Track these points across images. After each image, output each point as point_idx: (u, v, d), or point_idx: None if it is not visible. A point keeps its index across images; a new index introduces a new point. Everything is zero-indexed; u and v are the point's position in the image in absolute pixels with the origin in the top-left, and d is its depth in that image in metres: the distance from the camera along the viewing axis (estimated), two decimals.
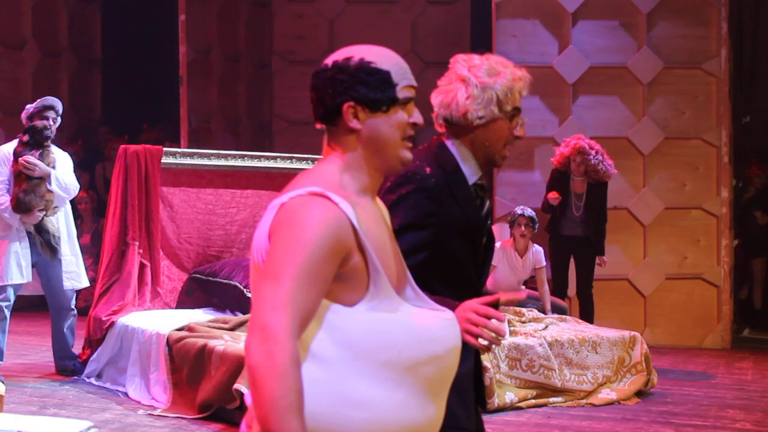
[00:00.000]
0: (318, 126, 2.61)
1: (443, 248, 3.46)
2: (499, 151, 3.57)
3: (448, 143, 3.56)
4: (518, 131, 3.57)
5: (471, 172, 3.56)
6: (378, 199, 2.72)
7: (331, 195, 2.46)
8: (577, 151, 9.87)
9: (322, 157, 2.63)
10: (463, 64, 3.52)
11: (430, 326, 2.57)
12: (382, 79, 2.57)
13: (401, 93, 2.59)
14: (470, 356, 3.64)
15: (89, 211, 11.52)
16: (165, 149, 9.13)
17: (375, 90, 2.56)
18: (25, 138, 8.54)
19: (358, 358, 2.47)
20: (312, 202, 2.44)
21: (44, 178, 8.47)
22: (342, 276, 2.48)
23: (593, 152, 9.88)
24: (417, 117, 2.63)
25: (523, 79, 3.54)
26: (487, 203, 3.68)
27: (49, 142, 8.59)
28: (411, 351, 2.51)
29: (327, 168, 2.57)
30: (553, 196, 9.84)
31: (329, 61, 2.60)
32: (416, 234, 3.40)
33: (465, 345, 3.55)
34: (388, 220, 2.75)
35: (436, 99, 3.55)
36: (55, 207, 8.57)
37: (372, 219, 2.57)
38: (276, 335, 2.32)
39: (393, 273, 2.59)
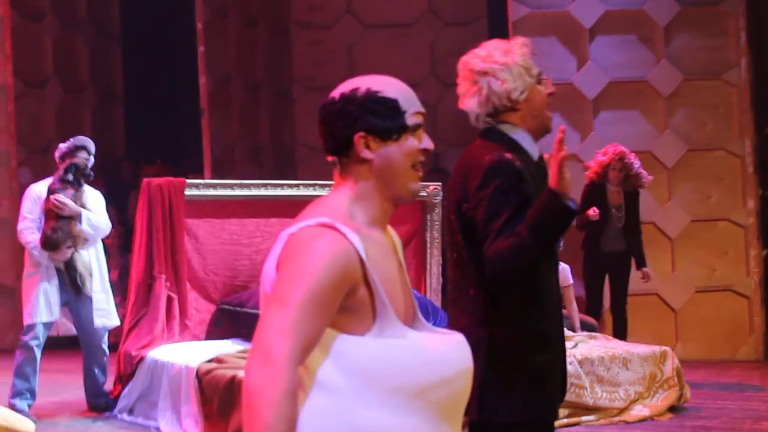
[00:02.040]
0: (329, 158, 2.62)
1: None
2: (545, 115, 3.74)
3: (503, 128, 3.68)
4: (549, 88, 3.75)
5: (532, 148, 3.71)
6: (389, 230, 2.72)
7: (340, 226, 2.48)
8: (618, 156, 9.86)
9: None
10: (474, 60, 3.67)
11: (439, 350, 2.57)
12: (391, 108, 2.59)
13: (410, 120, 2.61)
14: (555, 345, 3.71)
15: (116, 247, 11.55)
16: (188, 181, 9.15)
17: (385, 119, 2.58)
18: (66, 176, 8.58)
19: (367, 385, 2.48)
20: (320, 233, 2.46)
21: (74, 217, 8.51)
22: (348, 307, 2.49)
23: (632, 156, 9.90)
24: (427, 143, 2.65)
25: (526, 44, 3.74)
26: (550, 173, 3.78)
27: (83, 181, 8.65)
28: (420, 376, 2.51)
29: (337, 198, 2.58)
30: (594, 212, 9.72)
31: (336, 93, 2.62)
32: (524, 215, 3.49)
33: (553, 333, 3.60)
34: (400, 251, 2.75)
35: (470, 103, 3.68)
36: (85, 240, 8.59)
37: (380, 251, 2.58)
38: (277, 361, 2.34)
39: (401, 306, 2.59)
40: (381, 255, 2.57)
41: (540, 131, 3.72)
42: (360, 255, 2.48)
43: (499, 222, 3.47)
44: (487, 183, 3.50)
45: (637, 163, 9.85)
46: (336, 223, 2.47)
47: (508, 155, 3.54)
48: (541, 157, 3.73)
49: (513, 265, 3.46)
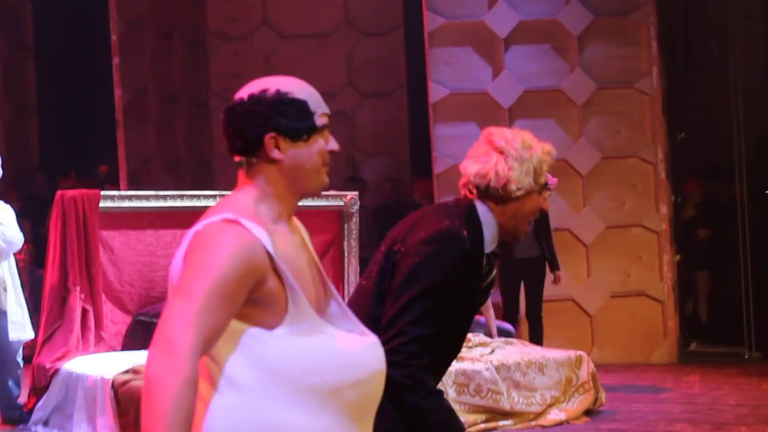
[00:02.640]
0: (237, 159, 2.62)
1: (447, 315, 3.46)
2: (524, 226, 3.64)
3: (480, 207, 3.60)
4: (545, 204, 3.65)
5: (490, 241, 3.61)
6: (296, 221, 2.73)
7: (244, 221, 2.49)
8: None
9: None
10: (498, 136, 3.59)
11: (353, 350, 2.58)
12: (301, 109, 2.61)
13: (319, 121, 2.63)
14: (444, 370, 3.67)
15: (27, 263, 11.41)
16: (103, 192, 9.07)
17: (294, 120, 2.59)
18: None
19: (279, 383, 2.49)
20: (225, 228, 2.48)
21: None
22: (258, 300, 2.50)
23: None
24: (333, 144, 2.67)
25: (551, 153, 3.63)
26: (494, 274, 3.75)
27: None
28: (334, 376, 2.53)
29: (242, 197, 2.59)
30: None
31: (243, 94, 2.62)
32: (438, 299, 3.40)
33: (447, 363, 3.60)
34: (309, 243, 2.76)
35: (471, 167, 3.60)
36: None
37: (289, 245, 2.60)
38: (179, 351, 2.34)
39: (312, 296, 2.60)
40: (290, 248, 2.59)
41: (509, 234, 3.65)
42: (266, 248, 2.49)
43: (416, 311, 3.37)
44: (431, 243, 3.44)
45: None
46: (241, 219, 2.49)
47: (465, 233, 3.49)
48: (493, 253, 3.66)
49: (407, 405, 3.36)
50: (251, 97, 2.60)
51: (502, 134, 3.61)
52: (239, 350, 2.49)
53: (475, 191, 3.61)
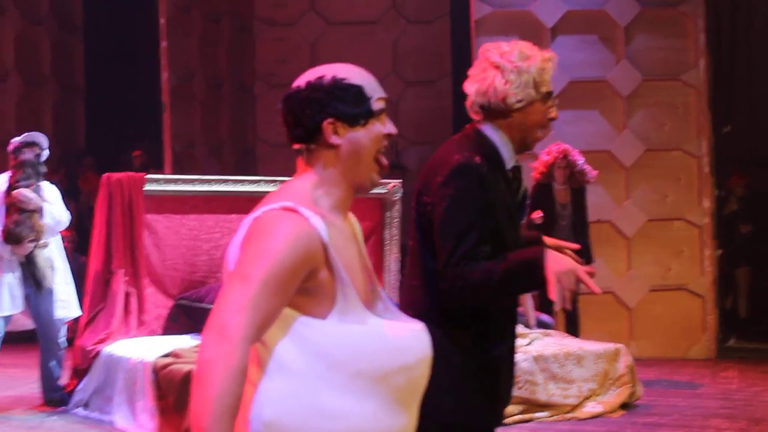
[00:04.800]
0: (296, 146, 2.66)
1: (498, 235, 3.52)
2: (533, 134, 3.65)
3: (485, 129, 3.62)
4: (552, 113, 3.65)
5: (509, 157, 3.63)
6: (350, 216, 2.77)
7: (303, 210, 2.52)
8: (562, 154, 9.85)
9: None
10: (494, 51, 3.60)
11: (400, 337, 2.62)
12: (357, 94, 2.64)
13: (375, 105, 2.66)
14: (507, 339, 3.71)
15: (69, 251, 11.57)
16: (148, 176, 9.17)
17: (352, 105, 2.63)
18: (20, 171, 8.63)
19: (328, 369, 2.52)
20: (283, 216, 2.51)
21: (37, 211, 8.54)
22: (309, 290, 2.53)
23: (576, 153, 9.91)
24: (391, 127, 2.71)
25: (552, 59, 3.64)
26: (524, 185, 3.77)
27: (41, 175, 8.70)
28: (381, 361, 2.56)
29: (301, 184, 2.63)
30: (537, 215, 9.73)
31: (301, 82, 2.66)
32: (482, 227, 3.46)
33: (503, 327, 3.64)
34: (360, 238, 2.80)
35: (471, 87, 3.62)
36: (46, 233, 8.63)
37: (342, 237, 2.63)
38: (233, 337, 2.38)
39: (362, 289, 2.64)
40: (343, 240, 2.62)
41: (521, 146, 3.65)
42: (322, 239, 2.52)
43: (465, 243, 3.43)
44: (449, 182, 3.48)
45: (581, 160, 9.86)
46: (299, 207, 2.52)
47: (477, 159, 3.50)
48: (515, 168, 3.68)
49: (471, 296, 3.46)
50: (308, 84, 2.64)
51: (498, 48, 3.61)
52: (289, 336, 2.53)
53: (479, 111, 3.63)
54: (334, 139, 2.62)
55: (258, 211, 2.54)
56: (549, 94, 3.63)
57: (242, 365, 2.38)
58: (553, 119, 3.67)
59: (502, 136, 3.61)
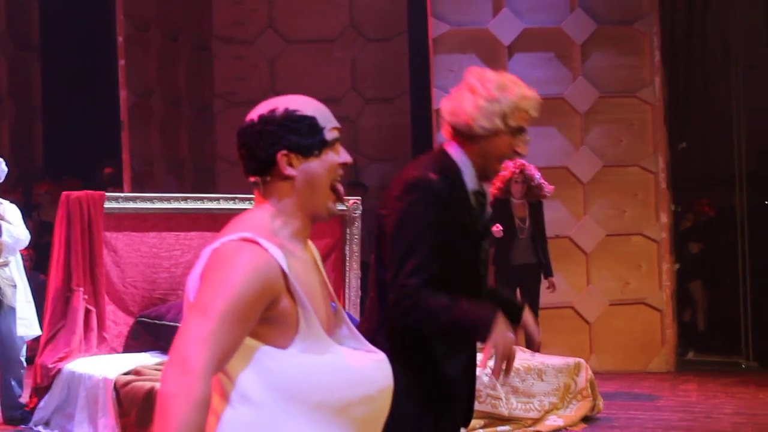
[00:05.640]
0: (251, 179, 2.68)
1: (452, 253, 3.55)
2: (493, 165, 3.68)
3: (451, 150, 3.67)
4: (521, 148, 3.66)
5: (470, 179, 3.66)
6: (310, 244, 2.79)
7: (262, 241, 2.54)
8: (519, 169, 9.88)
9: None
10: (476, 75, 3.66)
11: (362, 367, 2.64)
12: (310, 125, 2.66)
13: (329, 135, 2.68)
14: (460, 357, 3.73)
15: (27, 269, 11.50)
16: (107, 194, 9.13)
17: (305, 136, 2.65)
18: None
19: (290, 400, 2.54)
20: (243, 247, 2.53)
21: None
22: (271, 319, 2.55)
23: (532, 168, 9.95)
24: (345, 156, 2.73)
25: (531, 99, 3.65)
26: (488, 209, 3.78)
27: None
28: (343, 392, 2.58)
29: (259, 215, 2.65)
30: (496, 229, 9.77)
31: (254, 116, 2.68)
32: (430, 241, 3.49)
33: (456, 344, 3.66)
34: (320, 265, 2.82)
35: (445, 105, 3.69)
36: (6, 258, 8.60)
37: (302, 266, 2.65)
38: (194, 370, 2.39)
39: (323, 316, 2.66)
40: (303, 269, 2.64)
41: (482, 174, 3.68)
42: (282, 268, 2.54)
43: (414, 256, 3.46)
44: (402, 197, 3.53)
45: (537, 174, 9.92)
46: (258, 238, 2.54)
47: (432, 176, 3.55)
48: (479, 192, 3.69)
49: (413, 319, 3.49)
50: (261, 117, 2.66)
51: (480, 74, 3.67)
52: (252, 366, 2.55)
53: (449, 129, 3.68)
54: (289, 171, 2.64)
55: (217, 243, 2.56)
56: (520, 129, 3.63)
57: (204, 397, 2.39)
58: (519, 155, 3.69)
59: (466, 159, 3.65)
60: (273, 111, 2.67)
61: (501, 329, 3.47)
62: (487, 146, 3.63)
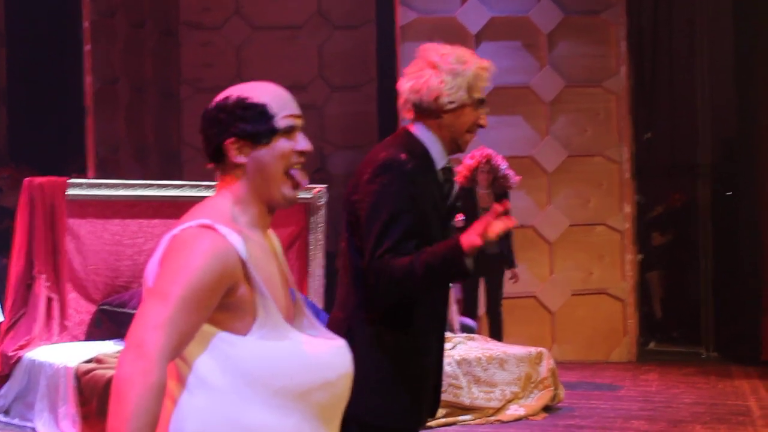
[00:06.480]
0: (209, 166, 2.70)
1: (423, 232, 3.56)
2: (463, 137, 3.69)
3: (415, 130, 3.68)
4: (482, 120, 3.71)
5: (439, 156, 3.68)
6: (270, 233, 2.79)
7: (220, 227, 2.55)
8: (485, 159, 9.88)
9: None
10: (433, 51, 3.67)
11: (322, 353, 2.65)
12: (260, 113, 2.66)
13: (281, 123, 2.67)
14: (435, 346, 3.75)
15: None
16: (70, 181, 9.08)
17: (253, 123, 2.65)
18: None
19: (249, 385, 2.54)
20: (201, 233, 2.53)
21: None
22: (229, 306, 2.55)
23: (499, 159, 9.96)
24: (303, 144, 2.71)
25: (488, 69, 3.72)
26: (456, 186, 3.81)
27: None
28: (303, 378, 2.59)
29: (219, 201, 2.66)
30: (459, 218, 9.73)
31: (214, 102, 2.70)
32: (406, 220, 3.50)
33: (431, 332, 3.67)
34: (280, 254, 2.82)
35: (405, 84, 3.69)
36: None
37: (262, 252, 2.65)
38: (150, 355, 2.40)
39: (283, 304, 2.67)
40: (262, 256, 2.64)
41: (452, 147, 3.70)
42: (240, 255, 2.55)
43: (389, 237, 3.48)
44: (374, 179, 3.53)
45: (504, 165, 9.93)
46: (216, 224, 2.55)
47: (402, 156, 3.56)
48: (447, 169, 3.72)
49: (396, 291, 3.50)
50: (216, 104, 2.69)
51: (437, 49, 3.69)
52: (209, 351, 2.55)
53: (411, 109, 3.69)
54: (239, 158, 2.66)
55: (176, 229, 2.57)
56: (481, 101, 3.69)
57: (160, 383, 2.39)
58: (481, 126, 3.71)
59: (431, 136, 3.67)
60: (227, 98, 2.68)
61: (467, 233, 3.47)
62: (454, 120, 3.66)
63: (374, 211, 3.52)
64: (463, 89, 3.63)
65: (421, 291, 3.58)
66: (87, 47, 12.08)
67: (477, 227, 3.46)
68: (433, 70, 3.64)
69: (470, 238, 3.45)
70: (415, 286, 3.51)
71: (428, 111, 3.65)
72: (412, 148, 3.63)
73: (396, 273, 3.47)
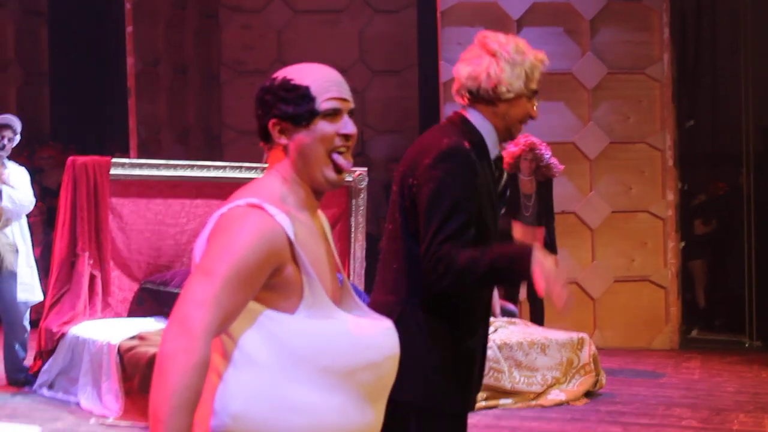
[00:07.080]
0: (261, 145, 2.71)
1: (481, 219, 3.57)
2: (516, 126, 3.68)
3: (471, 117, 3.67)
4: (533, 112, 3.69)
5: (493, 145, 3.67)
6: (320, 215, 2.79)
7: (268, 207, 2.55)
8: (529, 147, 9.83)
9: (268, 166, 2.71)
10: (492, 39, 3.65)
11: (369, 334, 2.64)
12: (301, 95, 2.65)
13: (323, 105, 2.65)
14: (481, 331, 3.74)
15: (39, 224, 11.47)
16: (113, 160, 9.13)
17: (294, 105, 2.64)
18: None
19: (296, 364, 2.54)
20: (249, 213, 2.53)
21: None
22: (276, 285, 2.55)
23: (543, 147, 9.91)
24: (347, 128, 2.69)
25: (544, 61, 3.69)
26: (505, 174, 3.81)
27: (2, 158, 8.64)
28: (349, 358, 2.58)
29: (267, 181, 2.66)
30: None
31: (266, 82, 2.71)
32: (468, 209, 3.50)
33: (479, 319, 3.67)
34: (329, 235, 2.82)
35: (463, 70, 3.67)
36: (7, 219, 8.57)
37: (309, 234, 2.65)
38: (194, 331, 2.40)
39: (329, 286, 2.67)
40: (310, 237, 2.64)
41: (504, 136, 3.69)
42: (288, 235, 2.54)
43: (450, 225, 3.46)
44: (438, 165, 3.51)
45: (548, 154, 9.86)
46: (265, 204, 2.54)
47: (466, 144, 3.54)
48: (498, 158, 3.72)
49: (452, 281, 3.47)
50: (263, 86, 2.71)
51: (495, 38, 3.66)
52: (256, 329, 2.55)
53: (467, 95, 3.67)
54: (281, 140, 2.67)
55: (224, 208, 2.57)
56: (535, 93, 3.66)
57: (203, 359, 2.39)
58: (533, 118, 3.70)
59: (487, 125, 3.65)
60: (273, 80, 2.70)
61: (539, 255, 3.46)
62: (509, 109, 3.63)
63: (436, 197, 3.50)
64: (521, 79, 3.61)
65: (477, 286, 3.59)
66: (129, 29, 12.12)
67: (545, 280, 3.49)
68: (493, 58, 3.62)
69: (538, 279, 3.47)
70: (473, 281, 3.50)
71: (485, 98, 3.64)
72: (470, 135, 3.62)
73: (457, 264, 3.46)
